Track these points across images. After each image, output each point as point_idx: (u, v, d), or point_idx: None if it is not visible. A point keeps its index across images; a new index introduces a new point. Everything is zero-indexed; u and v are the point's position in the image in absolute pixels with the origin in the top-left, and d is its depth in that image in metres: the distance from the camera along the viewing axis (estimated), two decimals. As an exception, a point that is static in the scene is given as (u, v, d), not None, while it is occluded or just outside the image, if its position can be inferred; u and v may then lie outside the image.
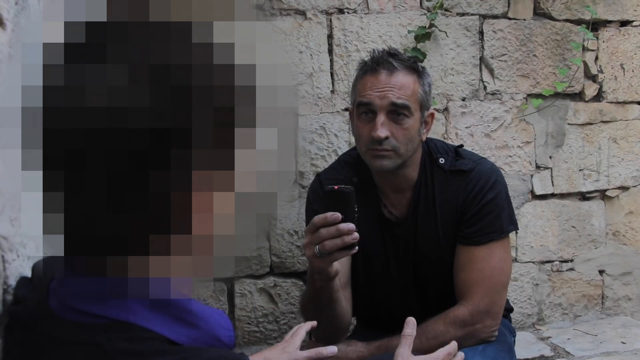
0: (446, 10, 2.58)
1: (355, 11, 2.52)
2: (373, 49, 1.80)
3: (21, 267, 0.89)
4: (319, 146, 2.51)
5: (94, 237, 0.63)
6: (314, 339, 1.69)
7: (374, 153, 1.70)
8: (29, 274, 0.86)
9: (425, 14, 2.54)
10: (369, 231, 1.77)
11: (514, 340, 1.93)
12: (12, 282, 0.85)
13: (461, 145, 1.88)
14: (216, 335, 0.72)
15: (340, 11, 2.52)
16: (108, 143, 0.60)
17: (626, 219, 2.84)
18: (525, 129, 2.70)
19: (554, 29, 2.68)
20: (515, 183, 2.68)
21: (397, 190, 1.81)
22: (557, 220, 2.76)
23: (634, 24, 2.77)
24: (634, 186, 2.83)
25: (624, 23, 2.77)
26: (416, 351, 1.25)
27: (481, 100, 2.65)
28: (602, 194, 2.81)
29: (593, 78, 2.76)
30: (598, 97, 2.77)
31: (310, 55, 2.49)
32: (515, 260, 2.71)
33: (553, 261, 2.78)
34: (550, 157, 2.73)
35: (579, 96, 2.76)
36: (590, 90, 2.75)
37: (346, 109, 2.44)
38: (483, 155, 2.01)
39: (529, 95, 2.69)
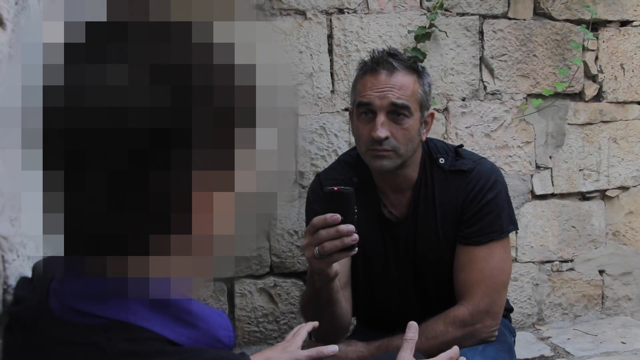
0: (446, 10, 2.58)
1: (355, 11, 2.52)
2: (373, 49, 1.80)
3: (21, 267, 0.89)
4: (319, 146, 2.51)
5: (94, 237, 0.63)
6: (314, 339, 1.69)
7: (373, 153, 1.70)
8: (29, 274, 0.86)
9: (425, 14, 2.54)
10: (368, 231, 1.77)
11: (514, 340, 1.93)
12: (12, 282, 0.85)
13: (461, 145, 1.88)
14: (216, 335, 0.72)
15: (340, 11, 2.52)
16: (108, 143, 0.60)
17: (626, 219, 2.84)
18: (525, 129, 2.70)
19: (554, 29, 2.68)
20: (515, 183, 2.68)
21: (397, 190, 1.81)
22: (557, 220, 2.76)
23: (634, 24, 2.77)
24: (634, 186, 2.83)
25: (624, 23, 2.77)
26: (416, 351, 1.25)
27: (481, 100, 2.65)
28: (602, 194, 2.81)
29: (593, 78, 2.76)
30: (598, 97, 2.77)
31: (310, 55, 2.49)
32: (515, 260, 2.71)
33: (553, 261, 2.78)
34: (550, 157, 2.73)
35: (579, 96, 2.75)
36: (590, 90, 2.75)
37: (346, 109, 2.44)
38: (483, 155, 2.02)
39: (529, 95, 2.69)
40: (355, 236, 1.42)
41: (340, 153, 2.23)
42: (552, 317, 2.79)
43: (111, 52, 0.60)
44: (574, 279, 2.80)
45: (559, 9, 2.68)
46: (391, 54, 1.73)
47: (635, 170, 2.82)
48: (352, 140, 2.14)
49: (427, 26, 2.52)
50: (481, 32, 2.63)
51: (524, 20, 2.66)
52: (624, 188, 2.82)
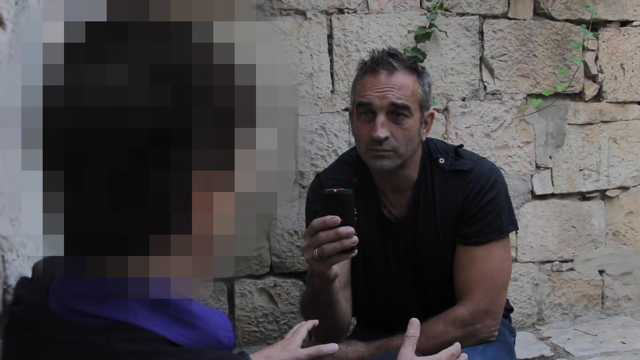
0: (446, 10, 2.58)
1: (355, 11, 2.52)
2: (373, 49, 1.80)
3: (21, 267, 0.89)
4: (319, 146, 2.51)
5: (94, 237, 0.63)
6: (314, 339, 1.69)
7: (373, 153, 1.70)
8: (29, 274, 0.86)
9: (425, 14, 2.54)
10: (368, 231, 1.77)
11: (514, 340, 1.93)
12: (12, 282, 0.85)
13: (461, 145, 1.88)
14: (216, 336, 0.72)
15: (340, 11, 2.52)
16: (108, 143, 0.60)
17: (626, 219, 2.84)
18: (525, 129, 2.70)
19: (554, 29, 2.68)
20: (515, 183, 2.68)
21: (397, 191, 1.81)
22: (557, 220, 2.76)
23: (634, 24, 2.77)
24: (634, 186, 2.83)
25: (624, 23, 2.77)
26: (416, 350, 1.25)
27: (481, 100, 2.65)
28: (602, 194, 2.81)
29: (593, 78, 2.76)
30: (598, 97, 2.77)
31: (310, 55, 2.49)
32: (515, 260, 2.71)
33: (553, 261, 2.78)
34: (550, 157, 2.73)
35: (579, 96, 2.75)
36: (590, 90, 2.75)
37: (346, 109, 2.44)
38: (483, 155, 2.02)
39: (529, 95, 2.69)
40: (355, 238, 1.41)
41: (340, 153, 2.23)
42: (552, 317, 2.79)
43: (111, 52, 0.60)
44: (574, 279, 2.80)
45: (559, 9, 2.68)
46: (391, 54, 1.73)
47: (635, 170, 2.82)
48: (352, 140, 2.14)
49: (427, 26, 2.52)
50: (481, 32, 2.63)
51: (524, 20, 2.66)
52: (624, 188, 2.82)
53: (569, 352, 2.46)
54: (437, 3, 2.52)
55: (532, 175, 2.72)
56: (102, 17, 0.62)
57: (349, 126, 2.36)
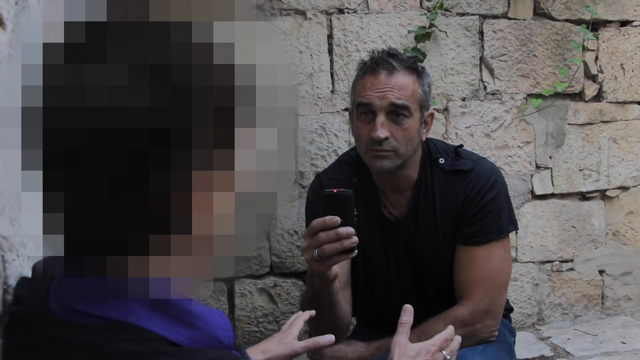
0: (446, 10, 2.58)
1: (355, 11, 2.52)
2: (373, 49, 1.80)
3: (21, 267, 0.89)
4: (319, 146, 2.51)
5: (94, 237, 0.63)
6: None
7: (373, 153, 1.70)
8: (29, 274, 0.86)
9: (425, 14, 2.54)
10: (368, 231, 1.78)
11: (514, 340, 1.93)
12: (12, 282, 0.85)
13: (461, 145, 1.88)
14: (216, 336, 0.72)
15: (340, 11, 2.52)
16: (108, 143, 0.60)
17: (626, 219, 2.84)
18: (525, 129, 2.70)
19: (554, 29, 2.68)
20: (515, 183, 2.68)
21: (397, 191, 1.81)
22: (557, 220, 2.76)
23: (634, 24, 2.77)
24: (634, 186, 2.83)
25: (624, 23, 2.77)
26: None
27: (481, 100, 2.65)
28: (602, 194, 2.81)
29: (593, 78, 2.76)
30: (598, 97, 2.77)
31: (310, 55, 2.49)
32: (515, 260, 2.71)
33: (553, 261, 2.78)
34: (550, 157, 2.73)
35: (579, 96, 2.76)
36: (590, 90, 2.75)
37: (346, 109, 2.44)
38: (483, 155, 2.02)
39: (529, 95, 2.69)
40: (355, 239, 1.41)
41: (340, 153, 2.23)
42: (552, 317, 2.79)
43: (111, 52, 0.60)
44: (574, 279, 2.80)
45: (559, 9, 2.68)
46: (391, 54, 1.73)
47: (635, 170, 2.82)
48: (352, 140, 2.14)
49: (427, 26, 2.52)
50: (481, 32, 2.63)
51: (524, 20, 2.66)
52: (624, 188, 2.82)
53: (569, 352, 2.46)
54: (437, 3, 2.52)
55: (532, 175, 2.72)
56: (102, 17, 0.62)
57: (349, 126, 2.36)
